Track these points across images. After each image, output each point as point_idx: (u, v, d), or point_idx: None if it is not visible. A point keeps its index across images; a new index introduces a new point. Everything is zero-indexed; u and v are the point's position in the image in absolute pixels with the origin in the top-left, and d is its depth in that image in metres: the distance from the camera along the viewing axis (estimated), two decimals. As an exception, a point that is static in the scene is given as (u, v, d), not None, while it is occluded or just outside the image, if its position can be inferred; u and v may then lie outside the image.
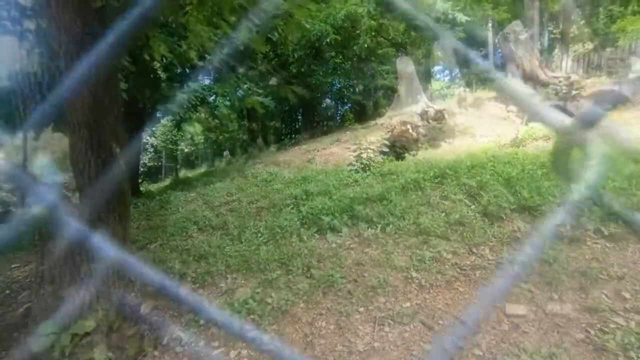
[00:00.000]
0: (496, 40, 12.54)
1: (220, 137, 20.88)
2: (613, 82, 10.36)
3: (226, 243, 4.44)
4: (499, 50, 14.61)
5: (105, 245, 0.40)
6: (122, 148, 3.66)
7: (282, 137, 26.85)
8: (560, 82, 9.79)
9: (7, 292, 4.00)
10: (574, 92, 9.39)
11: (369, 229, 4.37)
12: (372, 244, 4.11)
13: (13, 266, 4.99)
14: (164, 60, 7.24)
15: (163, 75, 9.48)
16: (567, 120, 0.33)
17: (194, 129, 7.64)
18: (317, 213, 4.77)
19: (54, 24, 2.72)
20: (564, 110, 9.22)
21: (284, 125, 27.59)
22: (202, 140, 25.87)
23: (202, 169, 20.93)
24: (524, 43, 10.54)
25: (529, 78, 10.43)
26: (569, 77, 9.83)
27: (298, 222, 4.70)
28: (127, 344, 2.98)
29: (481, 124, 10.45)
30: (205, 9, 3.47)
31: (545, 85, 10.05)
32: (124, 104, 8.32)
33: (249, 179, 8.15)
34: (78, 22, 2.68)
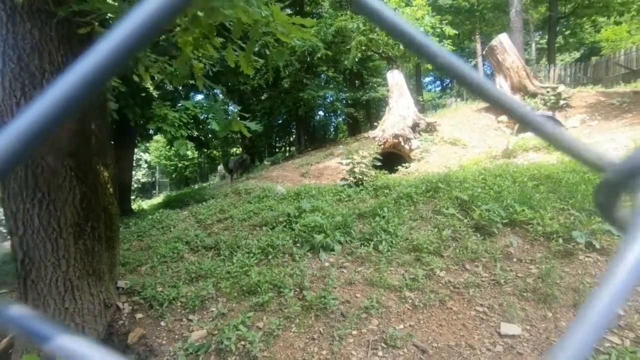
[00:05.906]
0: (484, 53, 12.76)
1: (214, 153, 20.89)
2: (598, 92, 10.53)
3: (218, 264, 4.37)
4: (487, 62, 14.85)
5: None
6: (109, 172, 3.63)
7: (276, 151, 26.97)
8: (548, 92, 9.94)
9: (-8, 322, 3.87)
10: (562, 102, 9.53)
11: (362, 246, 4.33)
12: (365, 262, 4.07)
13: (0, 292, 4.87)
14: (155, 80, 7.25)
15: (155, 94, 9.50)
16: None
17: (187, 147, 7.61)
18: (309, 231, 4.72)
19: None
20: (553, 119, 9.34)
21: (277, 139, 27.73)
22: (196, 155, 25.89)
23: (196, 185, 20.88)
24: (510, 54, 10.72)
25: (518, 89, 10.58)
26: (557, 88, 9.99)
27: (291, 241, 4.65)
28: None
29: (472, 135, 10.54)
30: (192, 32, 3.49)
31: (533, 95, 10.19)
32: (114, 123, 8.23)
33: (242, 195, 8.10)
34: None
